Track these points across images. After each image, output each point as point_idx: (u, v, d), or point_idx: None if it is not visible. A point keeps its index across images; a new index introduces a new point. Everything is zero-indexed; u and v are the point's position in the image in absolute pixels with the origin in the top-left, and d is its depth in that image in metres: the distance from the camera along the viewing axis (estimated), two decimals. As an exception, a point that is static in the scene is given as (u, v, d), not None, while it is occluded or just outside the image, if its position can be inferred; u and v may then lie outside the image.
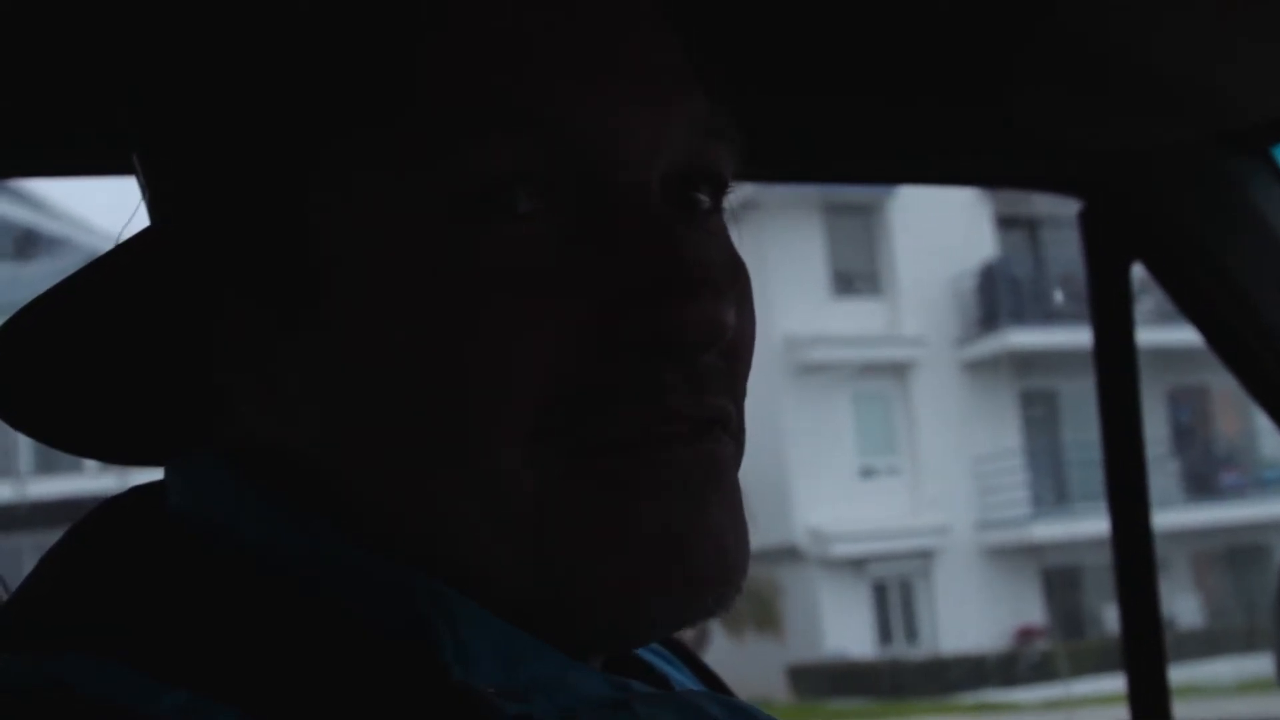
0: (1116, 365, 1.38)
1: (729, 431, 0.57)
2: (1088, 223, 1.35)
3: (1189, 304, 1.31)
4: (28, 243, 15.54)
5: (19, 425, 0.63)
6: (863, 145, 1.27)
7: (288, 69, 0.55)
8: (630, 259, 0.54)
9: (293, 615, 0.52)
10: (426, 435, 0.53)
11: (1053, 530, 17.58)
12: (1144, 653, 1.40)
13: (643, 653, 0.69)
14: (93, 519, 0.59)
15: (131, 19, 0.63)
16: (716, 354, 0.56)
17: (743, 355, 0.59)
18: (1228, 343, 1.30)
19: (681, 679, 0.70)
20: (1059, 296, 18.46)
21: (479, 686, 0.51)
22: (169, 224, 0.59)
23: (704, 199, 0.59)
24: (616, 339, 0.53)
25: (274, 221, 0.56)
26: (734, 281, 0.59)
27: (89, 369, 0.62)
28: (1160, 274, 1.32)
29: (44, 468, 16.08)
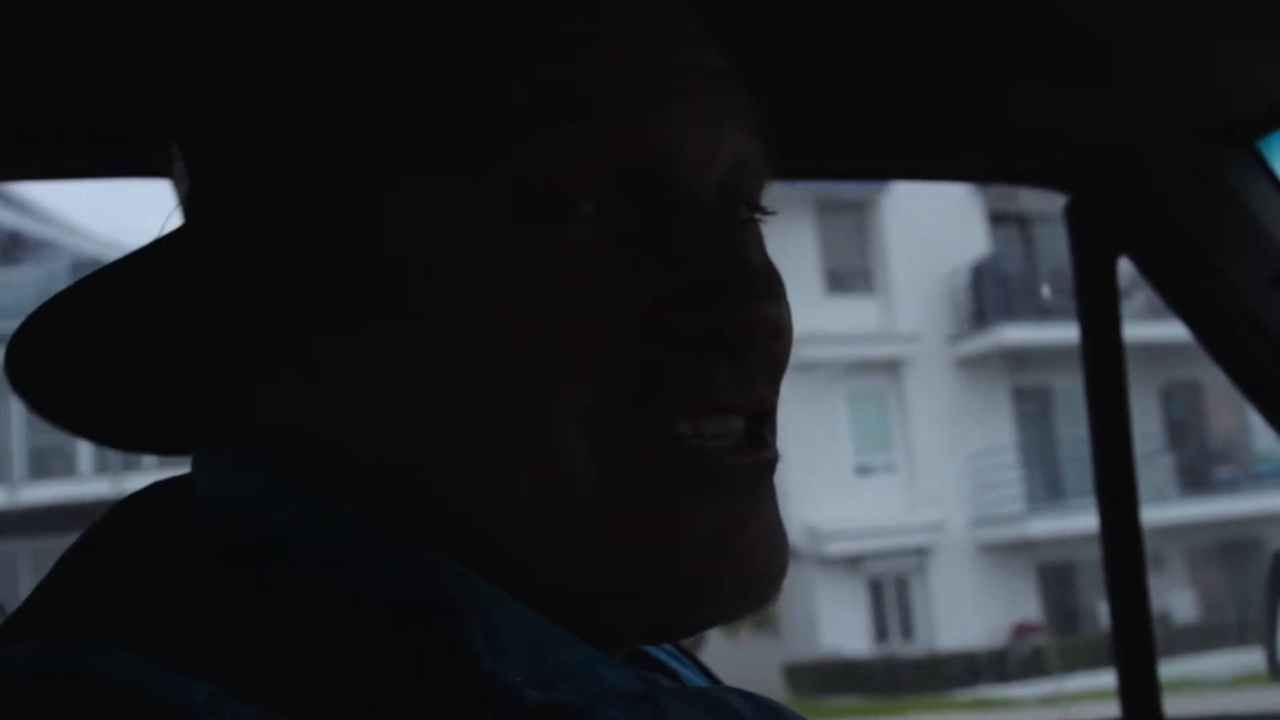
0: (1104, 358, 1.38)
1: (772, 431, 0.59)
2: (1074, 217, 1.36)
3: (1175, 297, 1.32)
4: (13, 245, 15.49)
5: (50, 417, 0.64)
6: (853, 142, 1.27)
7: (345, 70, 0.56)
8: (692, 257, 0.55)
9: (320, 606, 0.52)
10: (485, 417, 0.54)
11: (1047, 526, 17.59)
12: (1134, 647, 1.40)
13: (654, 651, 0.70)
14: (117, 512, 0.59)
15: (198, 13, 0.64)
16: (762, 353, 0.58)
17: (784, 357, 0.61)
18: (1214, 335, 1.31)
19: (693, 677, 0.71)
20: (1048, 292, 18.47)
21: (508, 675, 0.51)
22: (212, 215, 0.60)
23: (744, 210, 0.61)
24: (674, 332, 0.55)
25: (330, 217, 0.56)
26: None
27: (121, 359, 0.62)
28: (1146, 267, 1.33)
29: (38, 473, 16.05)
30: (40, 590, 0.56)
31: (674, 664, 0.70)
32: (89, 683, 0.48)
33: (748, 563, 0.56)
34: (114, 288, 0.59)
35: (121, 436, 0.67)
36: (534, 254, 0.54)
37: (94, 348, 0.62)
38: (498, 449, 0.54)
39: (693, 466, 0.55)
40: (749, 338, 0.55)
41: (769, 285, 0.56)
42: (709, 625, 0.58)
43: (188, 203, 0.62)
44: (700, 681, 0.71)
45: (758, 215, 0.62)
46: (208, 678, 0.48)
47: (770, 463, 0.59)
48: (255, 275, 0.58)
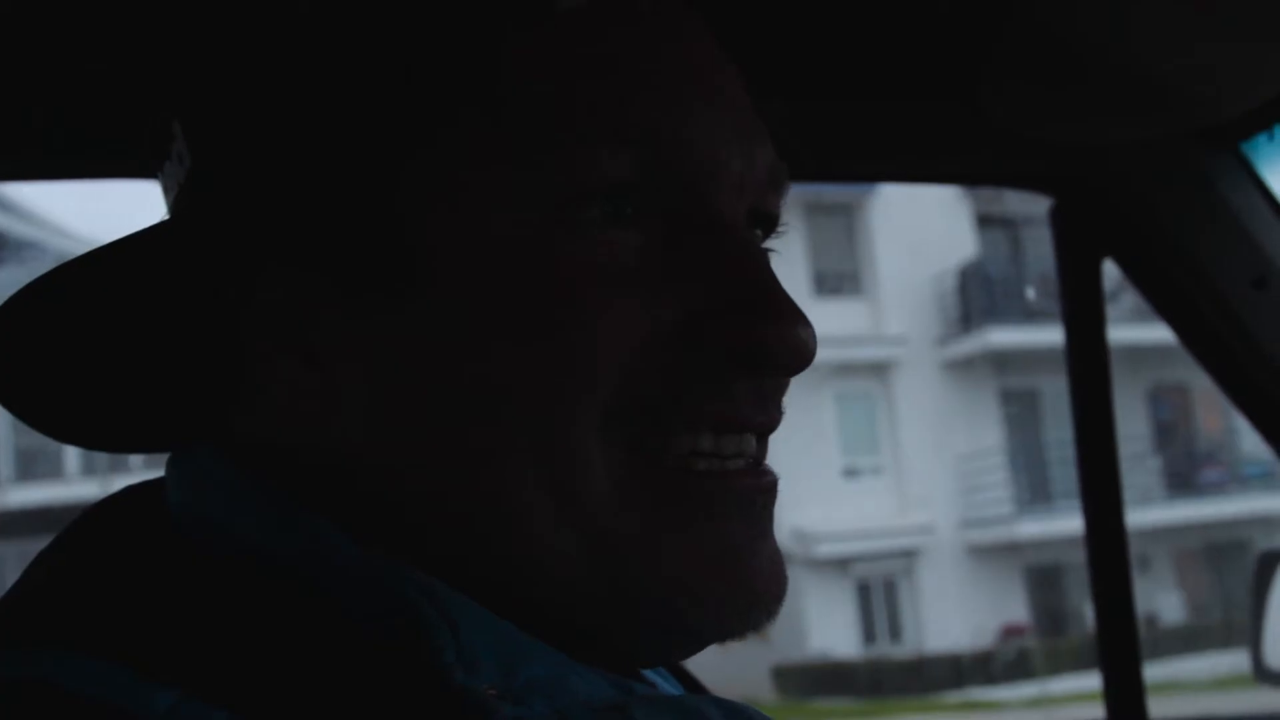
0: (1089, 361, 1.39)
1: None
2: (1059, 219, 1.36)
3: (1159, 299, 1.32)
4: (-2, 246, 15.44)
5: (19, 413, 0.63)
6: (840, 144, 1.27)
7: (380, 61, 0.56)
8: (728, 275, 0.57)
9: (289, 616, 0.52)
10: (505, 414, 0.54)
11: (1035, 528, 17.63)
12: (1119, 650, 1.41)
13: None
14: (87, 517, 0.58)
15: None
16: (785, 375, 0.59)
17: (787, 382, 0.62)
18: (1198, 338, 1.31)
19: (669, 689, 0.70)
20: (1032, 294, 18.52)
21: (479, 688, 0.51)
22: (221, 198, 0.58)
23: (759, 234, 0.63)
24: (707, 344, 0.56)
25: (360, 209, 0.56)
26: None
27: (95, 354, 0.61)
28: (1131, 269, 1.33)
29: (24, 475, 15.99)
30: (8, 596, 0.55)
31: (653, 677, 0.70)
32: (50, 691, 0.48)
33: (757, 585, 0.58)
34: (91, 281, 0.58)
35: (97, 436, 0.66)
36: (575, 257, 0.54)
37: (70, 344, 0.61)
38: (515, 448, 0.54)
39: (710, 487, 0.56)
40: (777, 356, 0.56)
41: (801, 311, 0.57)
42: (707, 644, 0.58)
43: (189, 188, 0.60)
44: (676, 692, 0.70)
45: (769, 240, 0.64)
46: (173, 685, 0.48)
47: (775, 488, 0.60)
48: (268, 263, 0.57)
